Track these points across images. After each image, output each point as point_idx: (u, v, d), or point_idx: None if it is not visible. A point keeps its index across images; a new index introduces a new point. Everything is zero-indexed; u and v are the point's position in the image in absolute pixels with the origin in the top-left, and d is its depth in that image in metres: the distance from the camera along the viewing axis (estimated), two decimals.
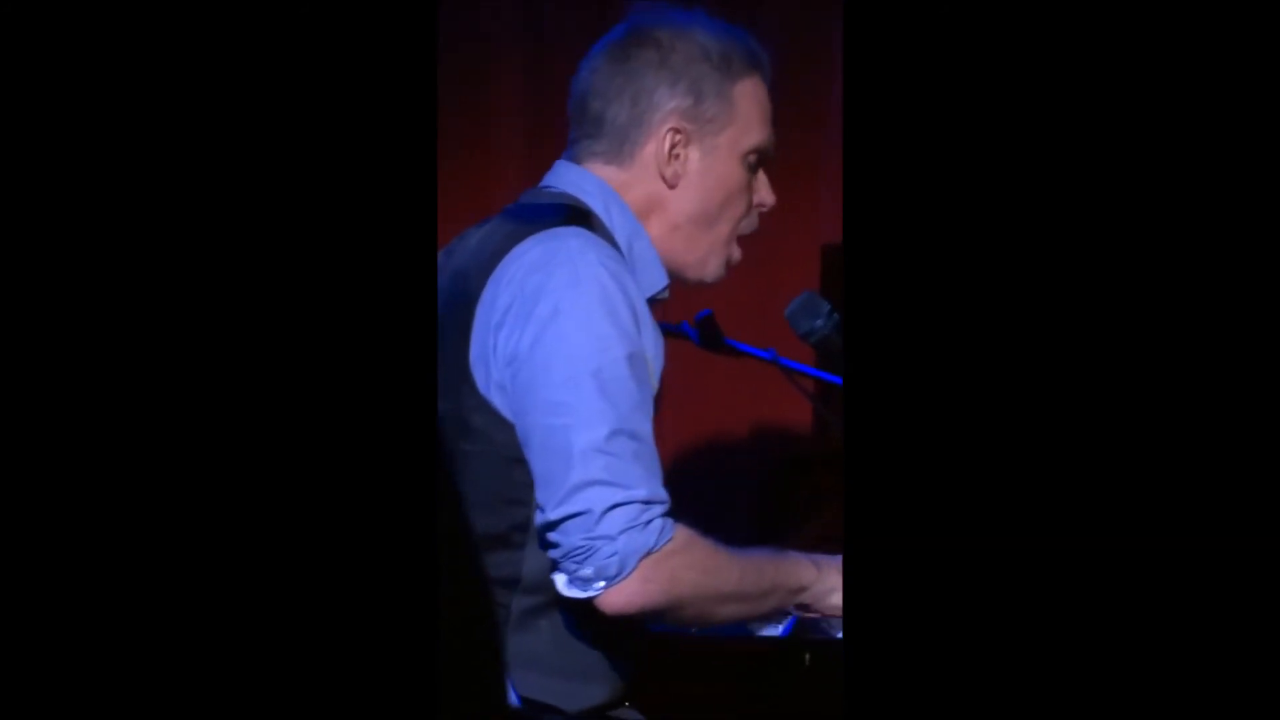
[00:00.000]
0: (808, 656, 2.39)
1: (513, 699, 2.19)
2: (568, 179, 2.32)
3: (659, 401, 2.27)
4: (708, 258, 2.34)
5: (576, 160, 2.33)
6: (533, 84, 3.63)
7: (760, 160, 2.35)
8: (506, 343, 2.13)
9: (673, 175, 2.30)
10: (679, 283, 2.36)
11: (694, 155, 2.30)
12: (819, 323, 2.46)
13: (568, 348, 2.09)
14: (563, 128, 3.56)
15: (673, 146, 2.29)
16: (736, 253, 2.36)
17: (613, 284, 2.13)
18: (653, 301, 2.30)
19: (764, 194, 2.36)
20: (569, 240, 2.16)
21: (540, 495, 2.09)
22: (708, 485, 3.62)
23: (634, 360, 2.11)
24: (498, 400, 2.14)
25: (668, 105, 2.29)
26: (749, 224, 2.36)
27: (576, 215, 2.23)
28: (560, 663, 2.18)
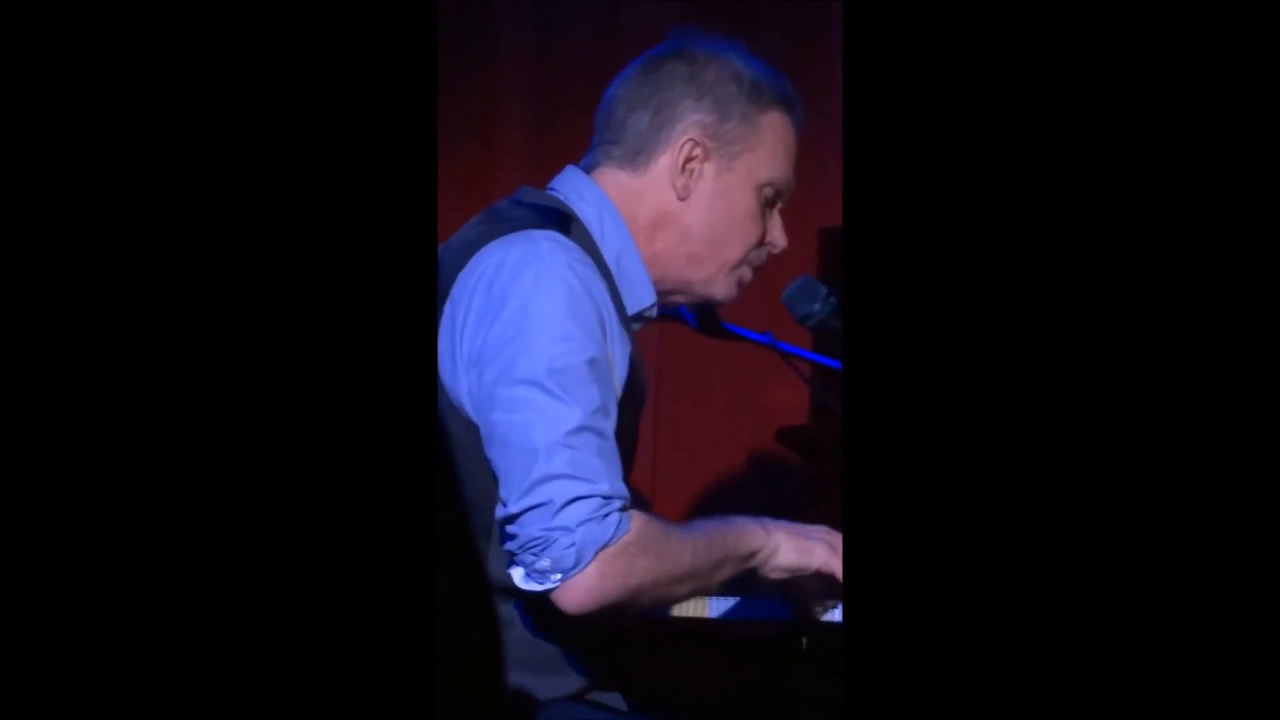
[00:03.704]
0: (805, 640, 2.40)
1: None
2: (570, 185, 2.32)
3: (644, 396, 2.27)
4: (715, 278, 2.34)
5: (591, 166, 2.34)
6: (535, 78, 3.63)
7: (776, 197, 2.34)
8: (472, 343, 2.13)
9: (683, 188, 2.30)
10: (686, 296, 2.37)
11: (708, 172, 2.30)
12: (816, 306, 2.46)
13: (532, 346, 2.09)
14: (564, 124, 3.58)
15: (688, 159, 2.29)
16: (747, 275, 2.36)
17: (580, 287, 2.13)
18: (639, 318, 2.31)
19: (776, 235, 2.36)
20: (539, 242, 2.16)
21: (503, 490, 2.08)
22: (704, 469, 3.62)
23: (596, 365, 2.11)
24: (464, 401, 2.14)
25: (690, 117, 2.29)
26: (756, 257, 2.36)
27: (557, 219, 2.23)
28: (529, 657, 2.19)
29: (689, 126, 2.29)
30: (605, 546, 2.04)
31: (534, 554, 2.04)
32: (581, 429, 2.06)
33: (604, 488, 2.05)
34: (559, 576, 2.04)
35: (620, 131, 2.32)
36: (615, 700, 2.26)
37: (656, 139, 2.30)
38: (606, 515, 2.05)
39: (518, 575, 2.07)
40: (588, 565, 2.04)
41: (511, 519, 2.06)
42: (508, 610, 2.17)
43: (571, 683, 2.22)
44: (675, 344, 3.40)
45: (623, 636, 2.21)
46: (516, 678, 2.18)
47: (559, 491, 2.04)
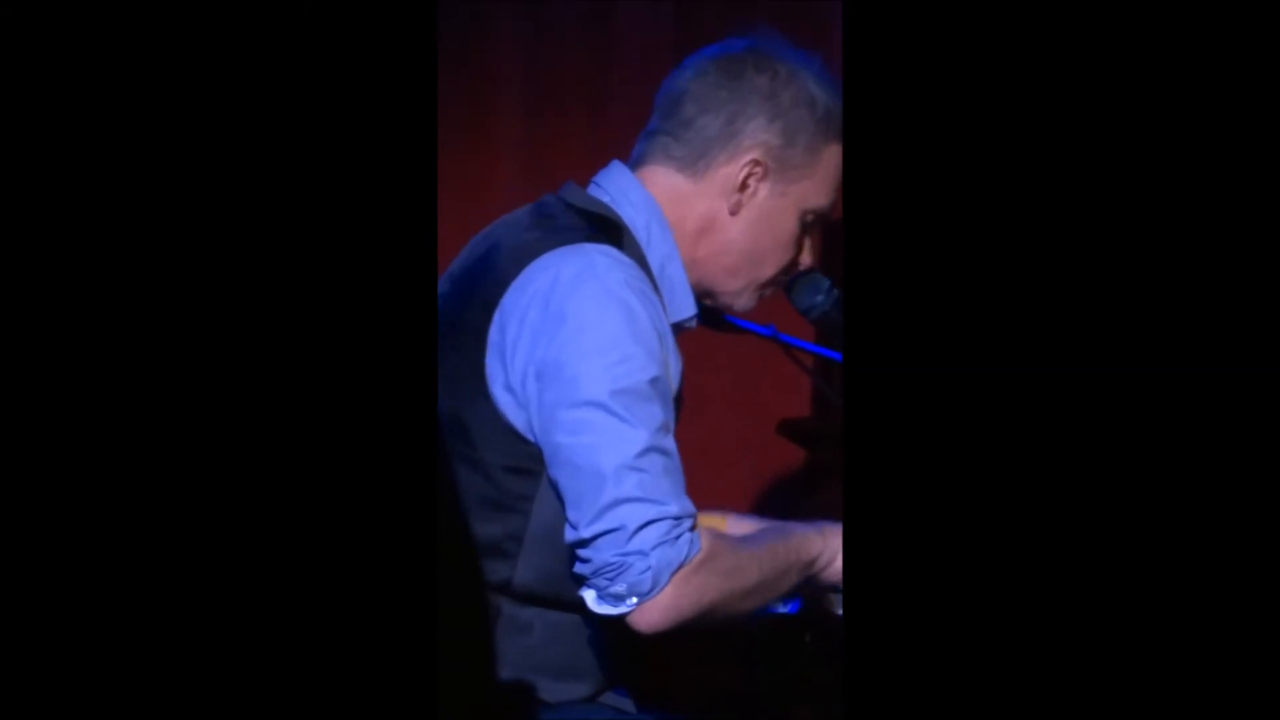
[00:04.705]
0: (808, 635, 2.40)
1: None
2: (617, 186, 2.30)
3: (682, 404, 2.26)
4: (743, 291, 2.35)
5: (643, 159, 2.32)
6: (532, 81, 3.63)
7: (816, 222, 2.35)
8: (528, 358, 2.12)
9: (735, 203, 2.29)
10: (710, 301, 2.37)
11: (762, 192, 2.29)
12: (819, 299, 2.45)
13: (594, 367, 2.08)
14: (561, 128, 3.57)
15: (748, 176, 2.28)
16: (769, 291, 2.38)
17: (639, 305, 2.12)
18: (678, 328, 2.30)
19: (806, 255, 2.37)
20: (595, 257, 2.16)
21: (571, 513, 2.08)
22: (706, 461, 3.62)
23: (658, 383, 2.11)
24: (508, 410, 2.14)
25: (759, 136, 2.28)
26: (784, 277, 2.37)
27: (608, 229, 2.22)
28: (544, 661, 2.19)
29: (755, 145, 2.28)
30: (680, 567, 2.05)
31: (608, 578, 2.05)
32: (648, 450, 2.07)
33: (674, 509, 2.06)
34: (635, 600, 2.05)
35: (686, 129, 2.29)
36: (624, 701, 2.26)
37: (722, 148, 2.28)
38: (679, 536, 2.06)
39: (590, 598, 2.08)
40: (664, 587, 2.05)
41: (584, 544, 2.07)
42: (525, 615, 2.18)
43: (584, 687, 2.23)
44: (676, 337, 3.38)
45: (635, 639, 2.20)
46: (531, 682, 2.19)
47: (631, 516, 2.04)
